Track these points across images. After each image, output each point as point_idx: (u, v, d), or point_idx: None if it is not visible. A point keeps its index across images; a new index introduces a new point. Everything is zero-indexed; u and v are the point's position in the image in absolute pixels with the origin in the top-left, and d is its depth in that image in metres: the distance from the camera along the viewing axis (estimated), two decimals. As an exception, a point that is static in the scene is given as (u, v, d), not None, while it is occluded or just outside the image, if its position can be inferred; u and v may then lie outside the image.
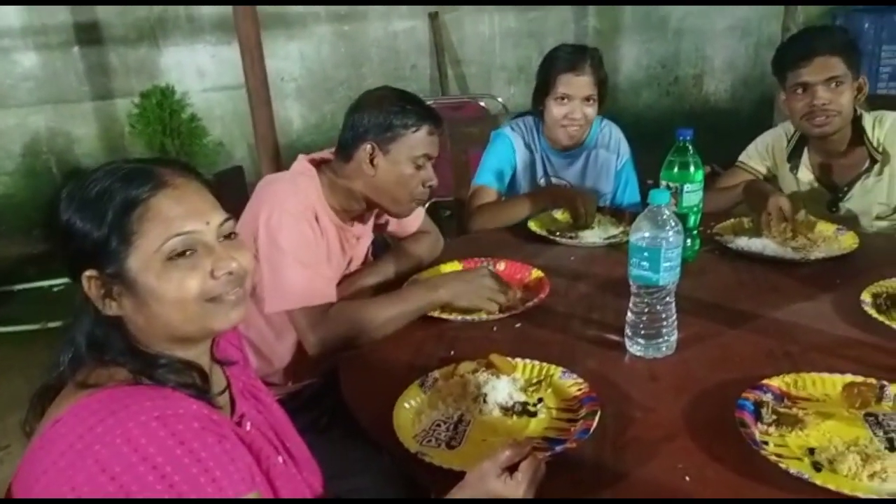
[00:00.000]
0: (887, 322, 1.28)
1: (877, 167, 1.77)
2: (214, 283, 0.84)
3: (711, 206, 1.82)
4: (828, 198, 1.85)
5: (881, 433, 0.99)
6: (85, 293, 0.83)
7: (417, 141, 1.46)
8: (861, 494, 0.87)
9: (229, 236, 0.88)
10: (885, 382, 1.06)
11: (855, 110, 1.76)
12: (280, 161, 3.17)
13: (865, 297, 1.36)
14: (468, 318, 1.41)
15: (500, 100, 3.61)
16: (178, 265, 0.82)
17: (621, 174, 2.10)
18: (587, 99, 1.92)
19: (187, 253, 0.83)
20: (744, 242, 1.68)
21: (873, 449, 0.95)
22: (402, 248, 1.70)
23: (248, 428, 0.92)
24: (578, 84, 1.90)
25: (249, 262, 0.89)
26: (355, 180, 1.50)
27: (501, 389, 1.13)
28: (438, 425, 1.08)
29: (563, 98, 1.92)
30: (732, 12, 4.90)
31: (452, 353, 1.29)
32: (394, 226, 1.72)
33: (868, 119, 1.77)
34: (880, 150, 1.76)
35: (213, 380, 0.91)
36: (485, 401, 1.11)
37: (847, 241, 1.64)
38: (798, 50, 1.75)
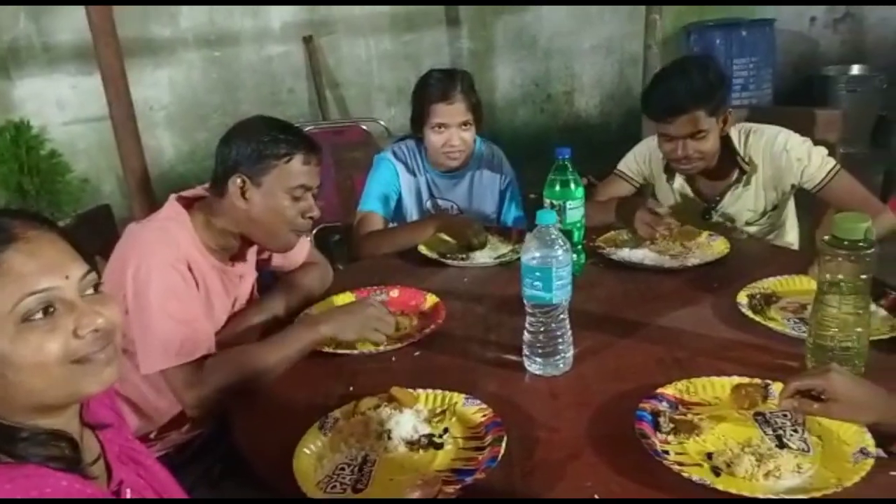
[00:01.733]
0: (763, 321, 1.36)
1: (745, 177, 1.88)
2: (79, 342, 0.76)
3: (592, 221, 1.88)
4: (701, 207, 1.95)
5: (770, 431, 1.04)
6: None
7: (292, 171, 1.40)
8: (760, 495, 0.90)
9: (95, 289, 0.80)
10: (768, 382, 1.12)
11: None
12: (152, 194, 2.99)
13: (741, 298, 1.44)
14: (365, 350, 1.36)
15: (382, 122, 3.59)
16: (35, 327, 0.74)
17: (505, 193, 2.13)
18: (463, 125, 1.93)
19: (46, 312, 0.75)
20: (625, 253, 1.74)
21: (765, 448, 0.99)
22: (290, 282, 1.64)
23: (127, 495, 0.84)
24: (452, 112, 1.91)
25: (117, 316, 0.81)
26: (230, 216, 1.42)
27: (405, 423, 1.09)
28: (342, 469, 1.03)
29: (439, 127, 1.92)
30: (597, 31, 5.15)
31: (352, 388, 1.24)
32: (279, 260, 1.65)
33: (735, 133, 1.87)
34: (748, 161, 1.87)
35: (84, 448, 0.82)
36: (389, 437, 1.08)
37: (719, 247, 1.73)
38: (662, 105, 1.78)
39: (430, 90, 1.93)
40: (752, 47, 4.86)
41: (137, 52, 4.01)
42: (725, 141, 1.85)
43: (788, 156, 1.81)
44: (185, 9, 4.35)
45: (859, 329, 1.13)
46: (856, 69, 5.27)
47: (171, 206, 1.44)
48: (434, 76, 1.96)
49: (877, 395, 0.98)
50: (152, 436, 1.44)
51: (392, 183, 2.03)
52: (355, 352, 1.36)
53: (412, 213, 2.06)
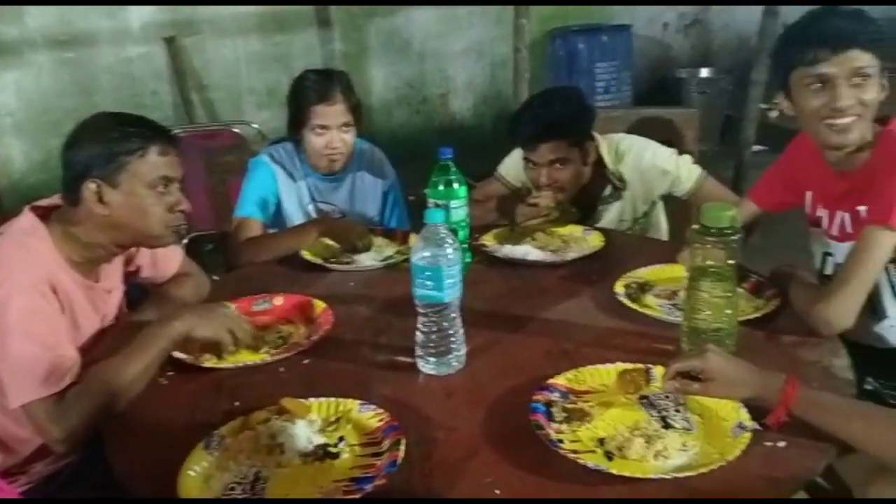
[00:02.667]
0: (639, 309, 1.42)
1: (616, 192, 1.96)
2: None
3: (474, 221, 1.90)
4: (578, 216, 2.01)
5: (655, 413, 1.08)
6: None
7: (149, 164, 1.32)
8: (652, 475, 0.93)
9: None
10: (650, 366, 1.17)
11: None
12: (1, 205, 2.73)
13: (618, 288, 1.50)
14: (249, 362, 1.30)
15: (255, 125, 3.47)
16: None
17: (388, 196, 2.11)
18: (344, 126, 1.90)
19: None
20: (508, 250, 1.77)
21: (653, 429, 1.04)
22: (163, 295, 1.54)
23: None
24: (333, 113, 1.87)
25: None
26: (91, 225, 1.32)
27: (298, 435, 1.05)
28: (233, 488, 0.97)
29: (320, 129, 1.88)
30: (467, 35, 5.24)
31: (237, 404, 1.18)
32: (148, 271, 1.55)
33: (603, 147, 1.93)
34: (618, 177, 1.94)
35: None
36: (282, 451, 1.03)
37: (595, 240, 1.79)
38: (526, 132, 1.86)
39: (308, 92, 1.87)
40: (613, 51, 5.13)
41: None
42: (597, 159, 1.92)
43: (657, 170, 1.90)
44: (32, 7, 4.01)
45: (729, 311, 1.21)
46: (705, 72, 5.68)
47: (27, 218, 1.31)
48: (310, 77, 1.91)
49: (749, 372, 1.05)
50: (15, 469, 1.30)
51: (270, 187, 1.96)
52: (239, 364, 1.29)
53: (293, 218, 1.99)
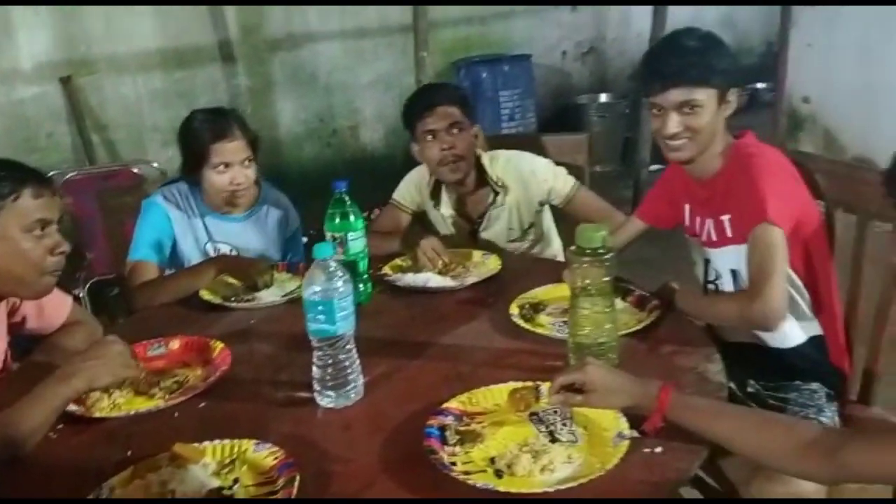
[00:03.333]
0: (532, 329, 1.48)
1: (500, 198, 2.05)
2: None
3: (377, 251, 1.93)
4: (468, 229, 2.09)
5: (543, 428, 1.13)
6: None
7: (23, 208, 1.30)
8: (537, 490, 0.98)
9: None
10: (539, 383, 1.22)
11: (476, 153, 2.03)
12: None
13: (513, 310, 1.56)
14: (142, 409, 1.27)
15: (155, 165, 3.40)
16: None
17: (293, 241, 2.11)
18: (246, 161, 1.90)
19: None
20: (410, 279, 1.81)
21: (539, 444, 1.08)
22: (53, 345, 1.49)
23: None
24: (233, 150, 1.87)
25: None
26: None
27: (190, 481, 1.04)
28: (122, 539, 0.96)
29: (224, 166, 1.87)
30: (374, 67, 5.30)
31: (130, 453, 1.15)
32: (34, 322, 1.50)
33: (485, 158, 2.06)
34: (500, 184, 2.04)
35: None
36: (173, 495, 1.01)
37: (492, 264, 1.85)
38: (422, 102, 2.00)
39: (204, 131, 1.87)
40: (515, 80, 5.30)
41: None
42: (478, 165, 2.03)
43: (535, 177, 2.03)
44: None
45: (609, 325, 1.28)
46: (603, 97, 5.95)
47: None
48: (201, 117, 1.91)
49: (627, 382, 1.12)
50: None
51: (164, 228, 1.93)
52: (132, 412, 1.27)
53: (190, 258, 1.96)
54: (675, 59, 1.47)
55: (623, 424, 1.09)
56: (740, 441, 1.05)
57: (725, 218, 1.54)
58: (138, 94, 4.60)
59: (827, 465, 0.97)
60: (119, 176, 3.00)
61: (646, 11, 4.35)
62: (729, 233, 1.55)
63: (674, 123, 1.48)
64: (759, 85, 6.21)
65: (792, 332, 1.57)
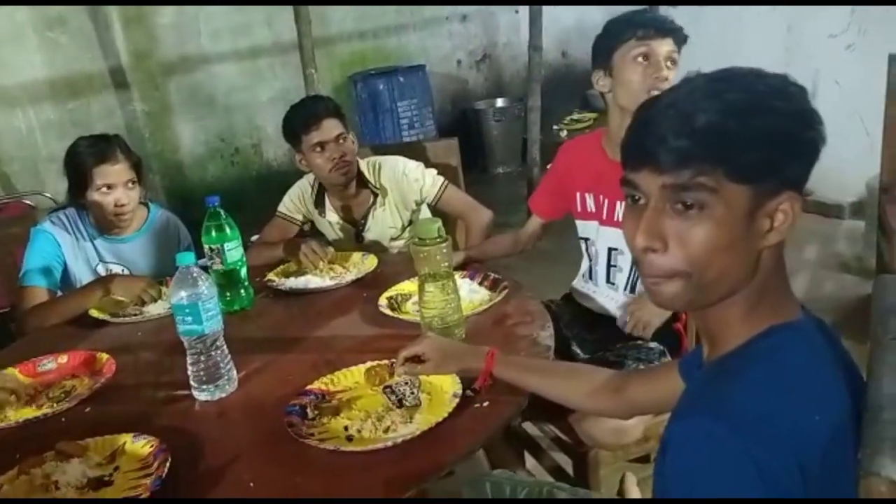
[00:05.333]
0: (397, 315, 1.65)
1: (379, 199, 2.23)
2: None
3: (261, 261, 2.07)
4: (353, 231, 2.25)
5: (393, 397, 1.29)
6: None
7: None
8: (376, 446, 1.14)
9: None
10: (394, 360, 1.37)
11: None
12: None
13: (382, 301, 1.72)
14: (31, 417, 1.38)
15: (47, 195, 3.41)
16: None
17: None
18: (129, 182, 2.00)
19: None
20: (292, 282, 1.95)
21: (385, 410, 1.25)
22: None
23: None
24: (117, 172, 1.97)
25: None
26: None
27: (72, 471, 1.15)
28: (9, 528, 1.07)
29: (107, 188, 1.97)
30: (271, 85, 5.39)
31: (18, 456, 1.24)
32: None
33: (363, 164, 2.23)
34: (378, 186, 2.22)
35: None
36: (56, 487, 1.13)
37: (370, 262, 2.01)
38: (306, 117, 2.12)
39: (88, 156, 1.97)
40: (412, 90, 5.49)
41: None
42: (359, 174, 2.19)
43: (407, 178, 2.20)
44: None
45: (453, 306, 1.46)
46: (500, 101, 6.21)
47: None
48: (85, 143, 2.01)
49: (459, 349, 1.31)
50: None
51: (53, 253, 2.00)
52: (21, 420, 1.37)
53: (82, 280, 2.04)
54: (661, 20, 1.64)
55: (457, 385, 1.27)
56: (550, 389, 1.24)
57: None
58: (30, 125, 4.56)
59: (616, 401, 1.18)
60: (10, 208, 3.02)
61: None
62: None
63: (665, 71, 1.60)
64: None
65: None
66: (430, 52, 6.03)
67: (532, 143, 4.52)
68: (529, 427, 1.97)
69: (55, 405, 1.42)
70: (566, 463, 1.78)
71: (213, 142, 5.29)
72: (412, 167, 2.21)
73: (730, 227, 0.74)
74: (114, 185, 1.97)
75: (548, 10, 4.62)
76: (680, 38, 1.66)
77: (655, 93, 1.61)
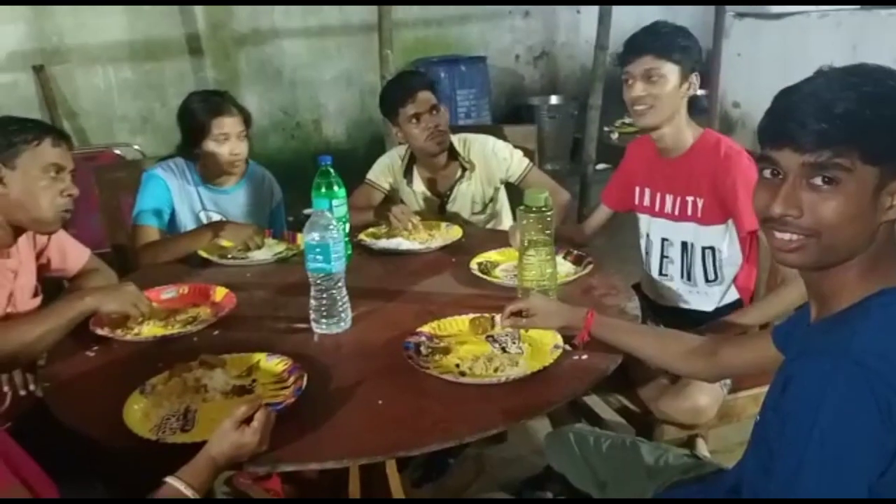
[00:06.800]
0: (488, 278, 1.79)
1: (467, 174, 2.36)
2: None
3: (354, 222, 2.21)
4: (437, 203, 2.39)
5: (497, 345, 1.43)
6: None
7: (43, 152, 1.56)
8: (490, 381, 1.28)
9: None
10: (494, 315, 1.52)
11: None
12: None
13: (473, 265, 1.86)
14: (166, 334, 1.53)
15: (136, 147, 3.59)
16: None
17: (276, 212, 2.38)
18: (241, 134, 2.16)
19: None
20: (384, 243, 2.09)
21: (492, 354, 1.38)
22: (75, 287, 1.74)
23: None
24: (232, 123, 2.14)
25: None
26: None
27: (217, 378, 1.31)
28: (168, 419, 1.22)
29: (223, 137, 2.13)
30: (336, 65, 5.56)
31: (161, 365, 1.40)
32: (58, 263, 1.75)
33: (455, 140, 2.36)
34: (467, 160, 2.35)
35: None
36: (206, 390, 1.28)
37: (455, 232, 2.15)
38: (402, 90, 2.27)
39: (205, 109, 2.13)
40: (471, 80, 5.62)
41: None
42: (450, 147, 2.33)
43: (496, 156, 2.34)
44: None
45: (549, 271, 1.59)
46: (554, 99, 6.31)
47: None
48: (200, 97, 2.17)
49: (560, 307, 1.44)
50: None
51: (163, 197, 2.17)
52: (158, 336, 1.52)
53: (186, 225, 2.20)
54: (647, 35, 1.77)
55: (558, 339, 1.40)
56: (645, 349, 1.37)
57: (693, 199, 1.82)
58: (109, 84, 4.76)
59: (708, 363, 1.30)
60: (102, 157, 3.20)
61: (593, 18, 4.70)
62: (697, 213, 1.83)
63: (639, 89, 1.76)
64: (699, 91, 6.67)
65: (719, 297, 1.89)
66: (490, 45, 6.15)
67: (589, 141, 4.62)
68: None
69: (184, 327, 1.57)
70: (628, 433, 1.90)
71: (276, 114, 5.47)
72: (501, 146, 2.34)
73: (858, 201, 0.87)
74: (229, 135, 2.13)
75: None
76: (661, 49, 1.75)
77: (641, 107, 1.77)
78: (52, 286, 1.77)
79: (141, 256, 2.05)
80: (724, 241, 1.83)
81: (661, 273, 1.98)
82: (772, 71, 4.56)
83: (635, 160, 2.04)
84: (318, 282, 1.50)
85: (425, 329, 1.49)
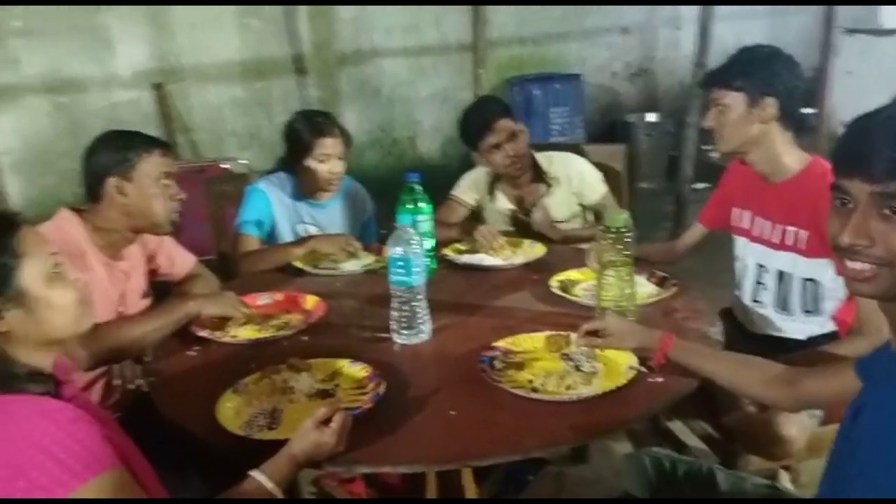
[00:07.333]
0: (568, 296, 1.80)
1: (550, 190, 2.40)
2: None
3: (439, 237, 2.28)
4: (521, 219, 2.42)
5: (570, 363, 1.44)
6: None
7: (154, 162, 1.71)
8: (562, 398, 1.30)
9: None
10: (570, 333, 1.53)
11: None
12: None
13: (553, 282, 1.88)
14: (259, 337, 1.64)
15: (243, 161, 3.83)
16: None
17: (367, 225, 2.49)
18: (341, 155, 2.28)
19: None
20: (467, 258, 2.15)
21: (565, 372, 1.40)
22: (183, 293, 1.88)
23: None
24: (333, 144, 2.26)
25: None
26: (112, 214, 1.70)
27: (303, 382, 1.39)
28: (256, 417, 1.31)
29: (325, 157, 2.26)
30: (432, 83, 5.70)
31: (253, 366, 1.50)
32: (166, 269, 1.91)
33: (540, 158, 2.41)
34: (551, 177, 2.38)
35: None
36: (292, 392, 1.37)
37: (538, 250, 2.18)
38: (480, 122, 2.33)
39: (310, 127, 2.27)
40: (565, 97, 5.62)
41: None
42: (534, 163, 2.38)
43: (582, 176, 2.37)
44: (26, 55, 4.36)
45: (628, 292, 1.59)
46: (651, 116, 6.19)
47: (63, 212, 1.71)
48: (305, 116, 2.31)
49: (635, 328, 1.43)
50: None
51: (265, 209, 2.31)
52: (252, 339, 1.64)
53: (285, 236, 2.33)
54: (721, 66, 1.77)
55: (634, 360, 1.40)
56: (723, 374, 1.35)
57: (795, 229, 1.75)
58: (220, 101, 5.08)
59: (788, 392, 1.27)
60: (211, 170, 3.42)
61: (693, 34, 4.60)
62: (799, 244, 1.75)
63: (709, 117, 1.77)
64: (806, 110, 6.38)
65: (816, 328, 1.82)
66: (586, 62, 6.13)
67: (685, 159, 4.52)
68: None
69: (277, 331, 1.68)
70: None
71: (374, 131, 5.66)
72: (589, 168, 2.38)
73: None
74: (330, 155, 2.26)
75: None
76: (721, 78, 1.75)
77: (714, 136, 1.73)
78: (160, 289, 1.92)
79: (241, 264, 2.19)
80: (827, 274, 1.74)
81: (754, 300, 1.93)
82: (884, 90, 4.30)
83: (736, 180, 1.98)
84: (400, 294, 1.57)
85: (501, 344, 1.52)
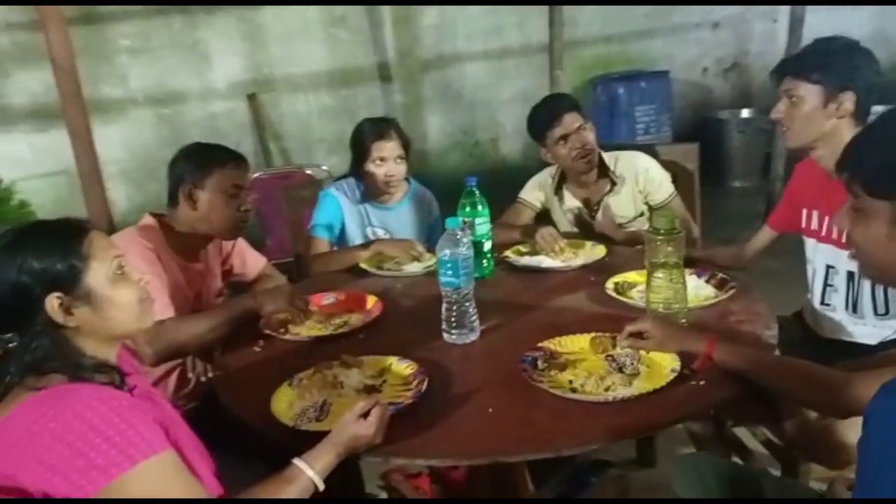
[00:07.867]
0: (622, 298, 1.80)
1: (616, 188, 2.38)
2: None
3: (499, 239, 2.31)
4: (587, 218, 2.42)
5: (614, 365, 1.45)
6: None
7: (228, 174, 1.84)
8: (598, 398, 1.31)
9: None
10: (616, 334, 1.53)
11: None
12: (114, 239, 3.32)
13: (609, 285, 1.87)
14: (320, 335, 1.74)
15: (324, 167, 3.99)
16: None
17: (433, 228, 2.55)
18: (399, 158, 2.36)
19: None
20: (526, 260, 2.17)
21: (606, 373, 1.41)
22: (252, 291, 2.01)
23: None
24: (390, 147, 2.34)
25: None
26: (185, 218, 1.85)
27: (353, 377, 1.47)
28: (307, 410, 1.39)
29: (380, 160, 2.34)
30: (513, 85, 5.72)
31: (311, 362, 1.59)
32: (239, 268, 2.05)
33: (606, 157, 2.40)
34: (617, 175, 2.37)
35: None
36: (342, 387, 1.45)
37: (599, 251, 2.17)
38: (548, 114, 2.35)
39: (369, 132, 2.36)
40: (652, 95, 5.50)
41: (90, 111, 4.35)
42: (600, 162, 2.37)
43: (649, 174, 2.34)
44: (133, 70, 4.73)
45: (679, 294, 1.57)
46: (745, 112, 5.96)
47: (145, 218, 1.88)
48: (368, 123, 2.40)
49: (679, 330, 1.42)
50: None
51: (336, 214, 2.42)
52: (313, 336, 1.73)
53: (354, 239, 2.44)
54: (792, 56, 1.73)
55: (675, 362, 1.39)
56: (770, 378, 1.32)
57: None
58: (309, 109, 5.31)
59: (838, 398, 1.22)
60: (295, 176, 3.60)
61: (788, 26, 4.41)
62: None
63: (778, 108, 1.73)
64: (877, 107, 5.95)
65: (889, 332, 1.75)
66: (674, 59, 5.98)
67: (777, 156, 4.34)
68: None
69: (336, 329, 1.77)
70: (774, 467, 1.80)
71: (456, 134, 5.75)
72: (655, 167, 2.35)
73: None
74: (386, 158, 2.34)
75: (806, 23, 4.39)
76: (798, 69, 1.70)
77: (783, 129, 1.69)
78: (238, 290, 2.07)
79: (312, 266, 2.31)
80: None
81: (822, 302, 1.85)
82: None
83: (804, 180, 1.92)
84: (449, 295, 1.62)
85: (546, 345, 1.55)
